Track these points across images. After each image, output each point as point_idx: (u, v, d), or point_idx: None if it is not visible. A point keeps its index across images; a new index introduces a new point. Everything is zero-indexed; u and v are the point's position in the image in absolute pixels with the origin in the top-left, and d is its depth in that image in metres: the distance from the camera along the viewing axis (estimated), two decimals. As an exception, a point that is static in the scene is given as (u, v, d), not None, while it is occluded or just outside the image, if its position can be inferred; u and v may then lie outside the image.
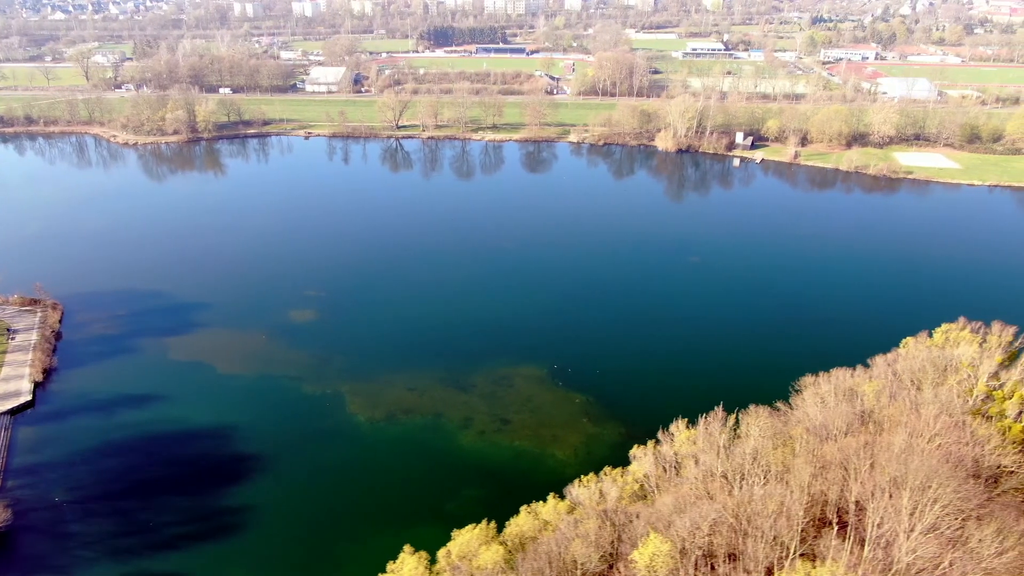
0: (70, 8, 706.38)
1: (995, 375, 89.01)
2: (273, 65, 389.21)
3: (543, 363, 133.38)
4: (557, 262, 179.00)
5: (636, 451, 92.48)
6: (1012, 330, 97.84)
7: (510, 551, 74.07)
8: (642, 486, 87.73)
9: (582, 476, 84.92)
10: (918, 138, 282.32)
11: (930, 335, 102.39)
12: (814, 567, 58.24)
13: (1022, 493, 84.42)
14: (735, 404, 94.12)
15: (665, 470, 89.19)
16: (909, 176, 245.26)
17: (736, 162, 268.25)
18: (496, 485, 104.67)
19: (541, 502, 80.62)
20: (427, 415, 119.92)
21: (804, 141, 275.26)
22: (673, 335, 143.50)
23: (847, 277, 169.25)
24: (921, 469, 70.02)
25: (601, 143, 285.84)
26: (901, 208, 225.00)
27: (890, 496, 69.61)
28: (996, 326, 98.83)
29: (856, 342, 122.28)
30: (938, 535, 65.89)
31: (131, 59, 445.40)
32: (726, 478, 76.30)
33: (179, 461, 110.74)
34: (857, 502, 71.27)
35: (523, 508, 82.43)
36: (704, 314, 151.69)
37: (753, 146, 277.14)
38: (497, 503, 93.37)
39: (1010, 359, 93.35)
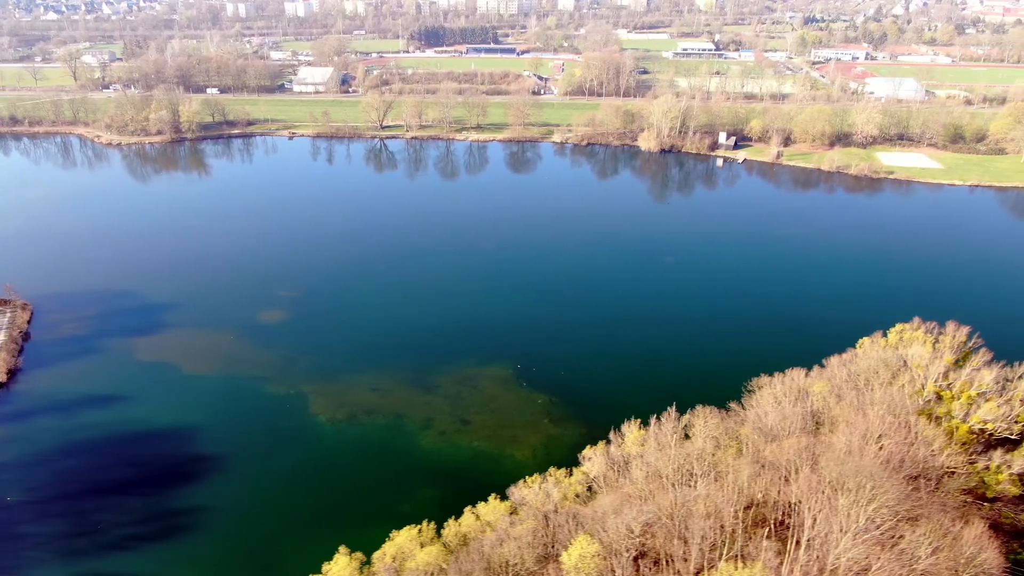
0: (63, 8, 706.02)
1: (945, 375, 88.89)
2: (260, 65, 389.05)
3: (510, 363, 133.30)
4: (533, 263, 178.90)
5: (588, 452, 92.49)
6: (965, 330, 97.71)
7: (452, 552, 74.09)
8: (591, 487, 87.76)
9: (527, 477, 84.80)
10: (902, 138, 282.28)
11: (885, 335, 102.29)
12: (738, 569, 58.11)
13: (965, 494, 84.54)
14: (697, 404, 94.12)
15: (616, 471, 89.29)
16: (890, 176, 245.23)
17: (719, 162, 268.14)
18: (452, 486, 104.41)
19: (484, 503, 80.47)
20: (389, 416, 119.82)
21: (787, 141, 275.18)
22: (642, 335, 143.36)
23: (819, 277, 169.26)
24: (859, 471, 70.00)
25: (584, 143, 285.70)
26: (879, 208, 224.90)
27: (828, 498, 69.61)
28: (950, 326, 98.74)
29: (823, 341, 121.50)
30: (871, 537, 65.86)
31: (121, 59, 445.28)
32: (667, 478, 76.18)
33: (138, 462, 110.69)
34: (795, 503, 71.23)
35: (467, 509, 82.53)
36: (674, 315, 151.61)
37: (736, 146, 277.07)
38: (452, 504, 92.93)
39: (963, 359, 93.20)
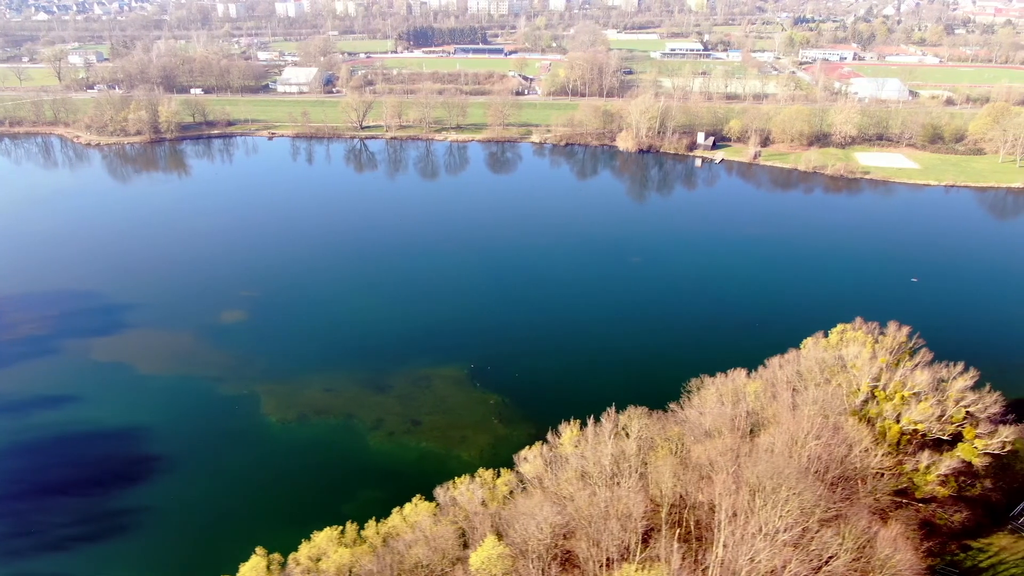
0: (54, 9, 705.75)
1: (879, 376, 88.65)
2: (244, 65, 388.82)
3: (465, 364, 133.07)
4: (500, 263, 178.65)
5: (525, 452, 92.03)
6: (906, 331, 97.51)
7: (374, 552, 73.75)
8: (525, 488, 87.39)
9: (456, 478, 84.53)
10: (881, 138, 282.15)
11: (826, 335, 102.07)
12: (640, 571, 57.87)
13: (899, 496, 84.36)
14: (647, 403, 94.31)
15: (552, 471, 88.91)
16: (866, 176, 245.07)
17: (698, 162, 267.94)
18: (397, 487, 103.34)
19: (410, 503, 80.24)
20: (339, 416, 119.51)
21: (766, 141, 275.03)
22: (599, 335, 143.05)
23: (781, 277, 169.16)
24: (777, 472, 69.77)
25: (563, 143, 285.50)
26: (852, 209, 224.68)
27: (744, 499, 69.37)
28: (891, 327, 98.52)
29: (776, 341, 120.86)
30: (785, 538, 65.60)
31: (108, 60, 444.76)
32: (589, 479, 75.92)
33: (83, 462, 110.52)
34: (711, 504, 70.98)
35: (395, 510, 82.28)
36: (633, 314, 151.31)
37: (715, 146, 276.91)
38: (393, 504, 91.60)
39: (900, 360, 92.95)
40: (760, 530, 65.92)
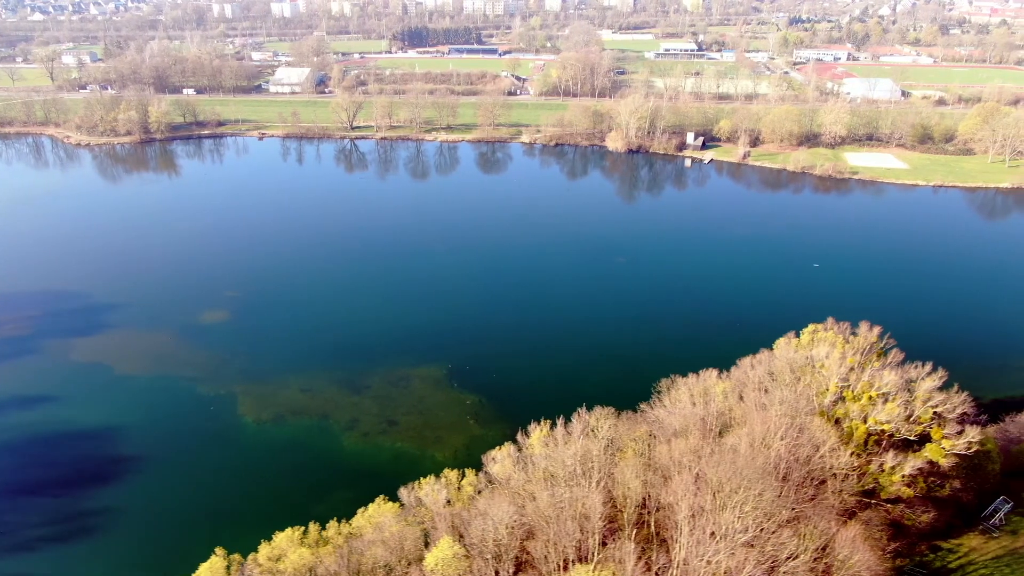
0: (50, 9, 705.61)
1: (847, 376, 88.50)
2: (236, 66, 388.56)
3: (445, 364, 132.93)
4: (484, 264, 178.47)
5: (494, 453, 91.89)
6: (877, 331, 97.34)
7: (340, 553, 73.61)
8: (493, 489, 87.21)
9: (421, 479, 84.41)
10: (871, 138, 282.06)
11: (797, 335, 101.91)
12: (590, 572, 57.72)
13: (866, 496, 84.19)
14: (626, 404, 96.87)
15: (523, 472, 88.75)
16: (855, 176, 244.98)
17: (687, 162, 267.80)
18: (370, 487, 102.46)
19: (373, 503, 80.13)
20: (315, 417, 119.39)
21: (756, 142, 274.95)
22: (580, 335, 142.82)
23: (765, 276, 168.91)
24: (737, 473, 69.60)
25: (553, 143, 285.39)
26: (839, 209, 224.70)
27: (703, 500, 69.21)
28: (863, 327, 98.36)
29: (754, 341, 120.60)
30: (740, 539, 65.44)
31: (102, 60, 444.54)
32: (550, 480, 75.78)
33: (57, 462, 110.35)
34: (672, 505, 70.79)
35: (360, 510, 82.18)
36: (615, 314, 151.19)
37: (704, 146, 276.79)
38: (365, 505, 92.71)
39: (870, 360, 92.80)
40: (719, 531, 65.81)
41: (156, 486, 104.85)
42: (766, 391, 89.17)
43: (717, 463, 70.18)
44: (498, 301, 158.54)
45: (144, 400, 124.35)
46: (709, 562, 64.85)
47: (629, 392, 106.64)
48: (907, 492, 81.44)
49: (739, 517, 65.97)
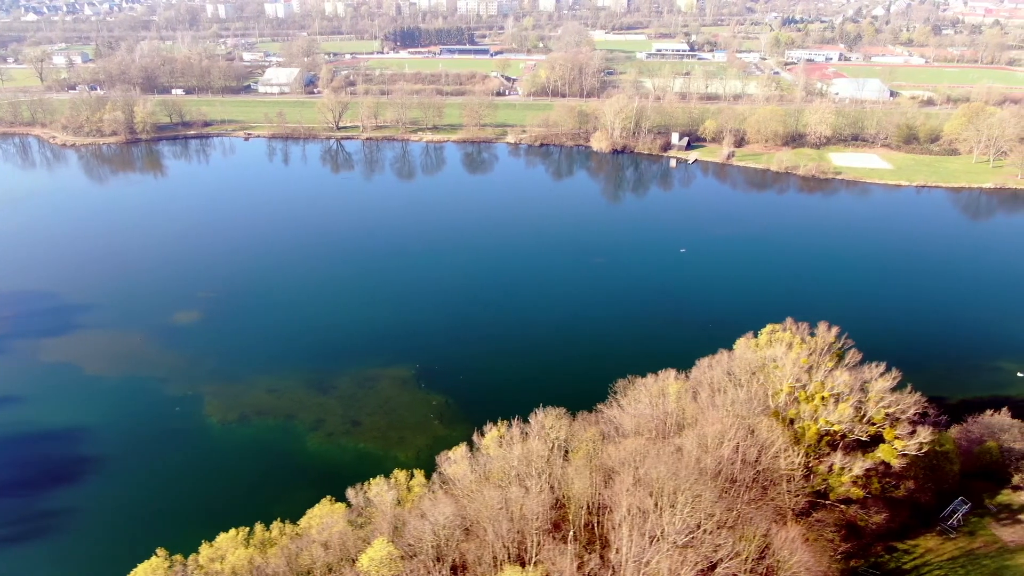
0: (44, 9, 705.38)
1: (801, 377, 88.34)
2: (225, 66, 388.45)
3: (414, 364, 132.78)
4: (461, 265, 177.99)
5: (449, 453, 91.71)
6: (834, 331, 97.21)
7: (285, 553, 73.46)
8: (443, 490, 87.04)
9: (371, 479, 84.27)
10: (856, 139, 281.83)
11: (755, 335, 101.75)
12: (522, 573, 57.57)
13: (818, 497, 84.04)
14: (591, 404, 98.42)
15: (477, 473, 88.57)
16: (838, 176, 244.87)
17: (672, 163, 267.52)
18: (331, 487, 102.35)
19: (319, 504, 79.99)
20: (280, 417, 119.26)
21: (741, 142, 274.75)
22: (551, 336, 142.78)
23: (740, 276, 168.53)
24: (677, 474, 69.44)
25: (538, 144, 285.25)
26: (820, 209, 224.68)
27: (641, 501, 69.04)
28: (821, 327, 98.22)
29: (718, 341, 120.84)
30: (677, 541, 65.29)
31: (93, 60, 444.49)
32: (494, 481, 75.62)
33: (20, 462, 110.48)
34: (609, 507, 70.68)
35: (308, 511, 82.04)
36: (587, 314, 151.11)
37: (689, 147, 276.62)
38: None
39: (827, 360, 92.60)
40: (655, 533, 65.67)
41: (116, 487, 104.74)
42: (721, 391, 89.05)
43: (656, 465, 69.99)
44: (473, 302, 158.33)
45: (112, 400, 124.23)
46: (648, 563, 64.74)
47: (595, 392, 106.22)
48: (857, 493, 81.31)
49: (679, 518, 65.86)
